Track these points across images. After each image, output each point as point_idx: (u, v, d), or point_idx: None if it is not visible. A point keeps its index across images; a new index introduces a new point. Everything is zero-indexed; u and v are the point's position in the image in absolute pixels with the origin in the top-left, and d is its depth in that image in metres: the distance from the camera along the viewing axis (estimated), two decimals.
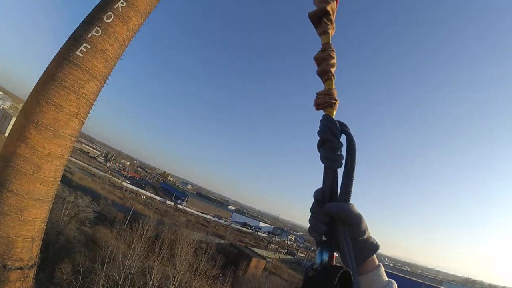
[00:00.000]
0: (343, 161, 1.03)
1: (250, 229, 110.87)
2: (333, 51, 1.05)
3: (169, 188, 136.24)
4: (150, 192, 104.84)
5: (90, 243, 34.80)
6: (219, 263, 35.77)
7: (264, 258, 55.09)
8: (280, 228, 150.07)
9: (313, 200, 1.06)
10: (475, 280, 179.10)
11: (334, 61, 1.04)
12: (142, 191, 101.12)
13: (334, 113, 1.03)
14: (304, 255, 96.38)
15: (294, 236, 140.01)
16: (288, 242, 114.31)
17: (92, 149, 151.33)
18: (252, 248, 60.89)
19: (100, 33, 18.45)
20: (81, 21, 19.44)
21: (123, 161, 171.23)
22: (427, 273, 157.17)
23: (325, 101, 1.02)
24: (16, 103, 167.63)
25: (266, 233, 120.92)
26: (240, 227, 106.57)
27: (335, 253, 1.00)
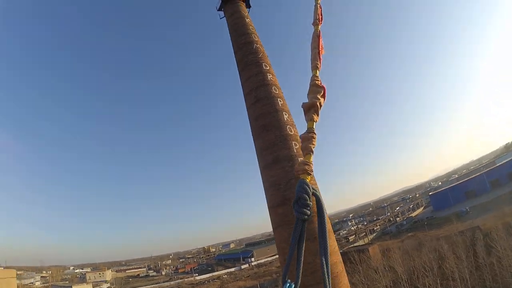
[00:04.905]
0: (311, 216, 1.34)
1: None
2: (315, 134, 1.43)
3: (226, 256, 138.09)
4: (221, 270, 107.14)
5: None
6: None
7: (368, 245, 60.79)
8: (338, 223, 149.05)
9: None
10: None
11: (315, 141, 1.41)
12: (217, 273, 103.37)
13: (309, 179, 1.36)
14: (379, 225, 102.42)
15: (353, 221, 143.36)
16: (353, 228, 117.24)
17: (137, 270, 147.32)
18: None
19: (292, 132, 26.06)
20: None
21: (164, 262, 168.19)
22: (471, 167, 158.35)
23: (304, 169, 1.36)
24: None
25: None
26: None
27: None
